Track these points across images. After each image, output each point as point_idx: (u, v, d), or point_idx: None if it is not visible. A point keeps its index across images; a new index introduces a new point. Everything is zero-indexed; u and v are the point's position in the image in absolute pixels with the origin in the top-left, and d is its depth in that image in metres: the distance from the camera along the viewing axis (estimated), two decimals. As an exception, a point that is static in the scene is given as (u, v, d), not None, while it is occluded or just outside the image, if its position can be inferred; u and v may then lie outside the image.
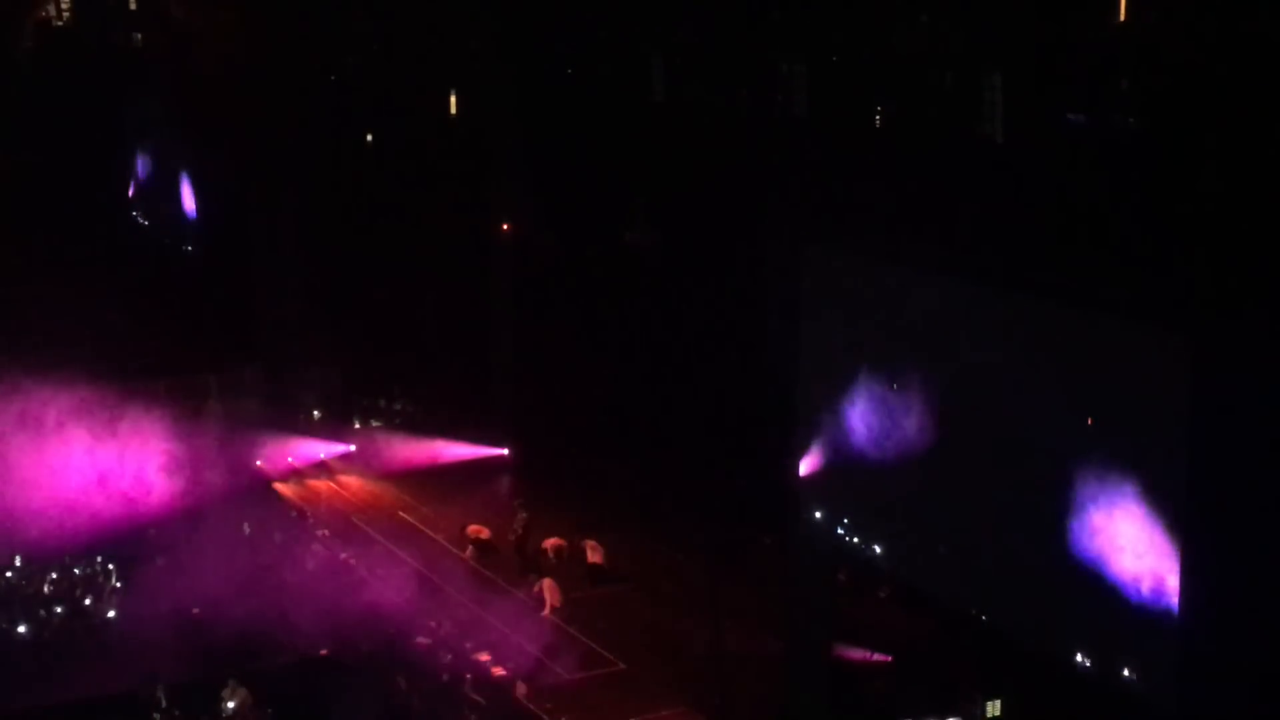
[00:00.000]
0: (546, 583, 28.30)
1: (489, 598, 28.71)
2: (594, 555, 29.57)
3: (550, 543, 30.13)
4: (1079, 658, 17.72)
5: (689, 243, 29.12)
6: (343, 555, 30.52)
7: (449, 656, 25.71)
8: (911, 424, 19.75)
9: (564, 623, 27.58)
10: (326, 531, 31.71)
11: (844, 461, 21.40)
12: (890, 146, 21.41)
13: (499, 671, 25.41)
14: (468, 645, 26.36)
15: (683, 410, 29.67)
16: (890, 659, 24.64)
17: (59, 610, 26.96)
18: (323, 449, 34.71)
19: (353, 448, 35.08)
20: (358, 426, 37.94)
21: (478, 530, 30.84)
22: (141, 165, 45.59)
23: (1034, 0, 18.07)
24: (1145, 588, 16.44)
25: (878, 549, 20.89)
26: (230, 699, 23.59)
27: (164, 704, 23.52)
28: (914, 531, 20.00)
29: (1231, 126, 15.83)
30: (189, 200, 41.68)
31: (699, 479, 26.82)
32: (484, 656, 25.93)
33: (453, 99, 33.13)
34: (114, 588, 27.68)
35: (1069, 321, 17.28)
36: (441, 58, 32.61)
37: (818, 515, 22.16)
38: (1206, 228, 16.15)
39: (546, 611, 27.68)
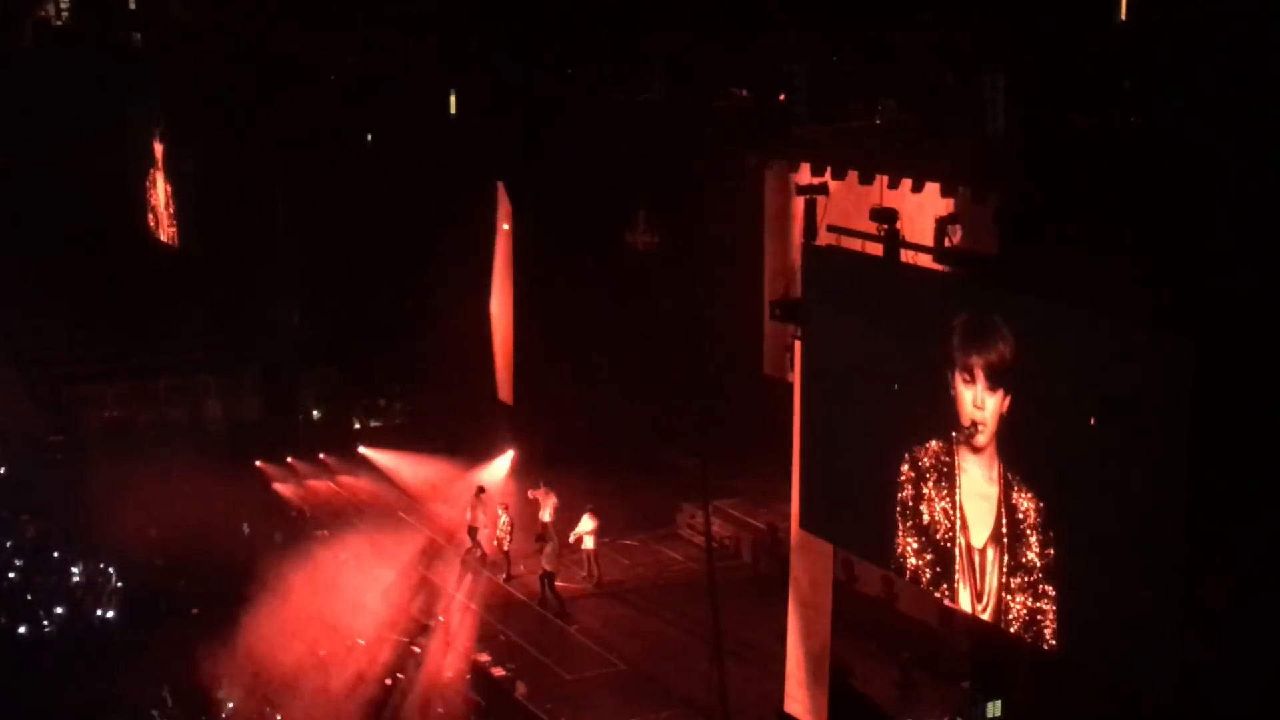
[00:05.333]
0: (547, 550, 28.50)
1: (489, 597, 28.74)
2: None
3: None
4: (1080, 658, 17.73)
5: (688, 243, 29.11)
6: (342, 555, 30.55)
7: (449, 656, 25.73)
8: (911, 423, 19.75)
9: (564, 622, 27.62)
10: (327, 532, 31.72)
11: (843, 461, 21.41)
12: (889, 143, 21.40)
13: (499, 671, 25.41)
14: (467, 645, 26.38)
15: (684, 410, 29.66)
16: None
17: (59, 610, 26.95)
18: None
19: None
20: (357, 427, 37.95)
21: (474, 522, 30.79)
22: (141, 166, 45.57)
23: (1036, 0, 18.10)
24: (1146, 587, 16.45)
25: (877, 548, 20.87)
26: (239, 699, 23.60)
27: (169, 704, 23.54)
28: (913, 530, 20.00)
29: (1233, 125, 15.85)
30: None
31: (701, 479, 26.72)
32: (484, 657, 25.93)
33: (453, 99, 33.09)
34: (114, 588, 27.69)
35: (1069, 321, 17.28)
36: (441, 58, 32.60)
37: (817, 513, 22.17)
38: (1208, 227, 16.16)
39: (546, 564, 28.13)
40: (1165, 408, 15.86)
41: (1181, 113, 16.51)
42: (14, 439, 35.82)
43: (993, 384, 18.25)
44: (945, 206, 20.08)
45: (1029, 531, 17.95)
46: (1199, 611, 16.01)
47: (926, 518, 19.64)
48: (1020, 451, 18.07)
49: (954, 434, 18.95)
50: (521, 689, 24.86)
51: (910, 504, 19.88)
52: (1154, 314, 16.28)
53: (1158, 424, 15.99)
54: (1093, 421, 16.74)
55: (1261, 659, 15.98)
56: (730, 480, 31.07)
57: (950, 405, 18.91)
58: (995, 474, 18.33)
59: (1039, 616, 17.91)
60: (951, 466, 19.08)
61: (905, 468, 19.86)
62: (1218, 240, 16.12)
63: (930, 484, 19.51)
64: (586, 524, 29.20)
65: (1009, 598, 18.39)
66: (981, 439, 18.61)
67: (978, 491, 18.69)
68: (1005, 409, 18.13)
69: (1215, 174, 16.01)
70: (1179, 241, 16.46)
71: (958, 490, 19.09)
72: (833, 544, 22.52)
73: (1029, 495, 17.93)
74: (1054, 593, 17.68)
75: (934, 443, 19.32)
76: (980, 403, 18.46)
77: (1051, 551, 17.65)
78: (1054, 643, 17.80)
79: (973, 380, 18.50)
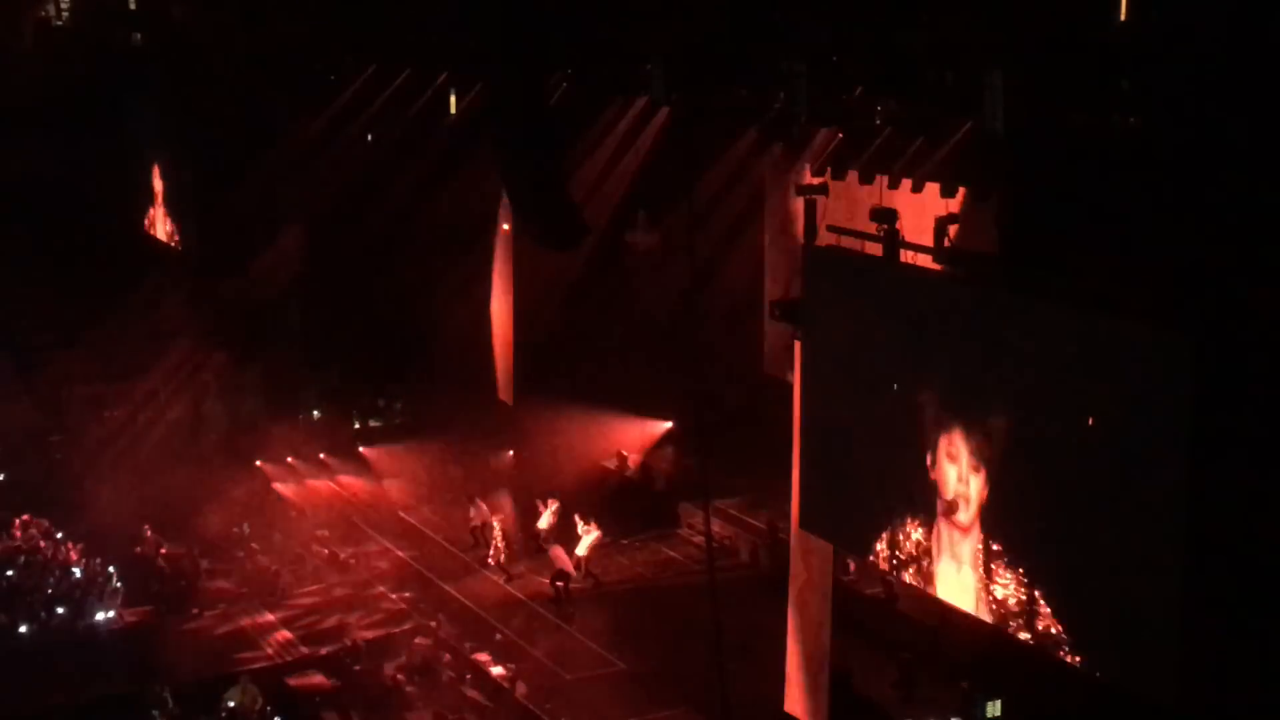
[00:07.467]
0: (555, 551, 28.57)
1: (489, 597, 28.77)
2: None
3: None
4: (1079, 658, 17.71)
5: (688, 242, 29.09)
6: (343, 555, 30.60)
7: (449, 656, 25.74)
8: (911, 424, 19.75)
9: (564, 622, 27.65)
10: (326, 532, 31.77)
11: (843, 462, 21.41)
12: (889, 144, 21.39)
13: (499, 671, 25.42)
14: (468, 645, 26.39)
15: (684, 410, 29.68)
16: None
17: (59, 610, 26.95)
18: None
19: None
20: (357, 427, 37.97)
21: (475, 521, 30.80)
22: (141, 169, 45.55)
23: (1036, 0, 18.06)
24: (1145, 587, 16.44)
25: (877, 548, 20.87)
26: (239, 698, 23.58)
27: (170, 704, 23.53)
28: (913, 531, 20.00)
29: (1232, 125, 15.83)
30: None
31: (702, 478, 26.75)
32: (484, 656, 25.95)
33: (453, 99, 33.06)
34: (114, 588, 27.69)
35: (1067, 321, 17.29)
36: (441, 58, 32.56)
37: (817, 514, 22.17)
38: (1208, 226, 16.15)
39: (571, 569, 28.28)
40: (1165, 408, 15.86)
41: (1181, 113, 16.48)
42: (14, 439, 35.85)
43: (977, 463, 18.40)
44: (945, 206, 20.09)
45: (1020, 536, 17.99)
46: (1199, 612, 16.00)
47: (910, 526, 19.80)
48: (1016, 454, 18.07)
49: (944, 442, 19.06)
50: (521, 689, 24.87)
51: (898, 511, 20.04)
52: (1154, 314, 16.27)
53: (1157, 424, 15.99)
54: (1091, 422, 16.75)
55: (1261, 659, 15.97)
56: (730, 480, 31.12)
57: (940, 412, 19.04)
58: (983, 478, 18.41)
59: (1033, 615, 17.93)
60: (937, 468, 19.22)
61: (899, 474, 19.91)
62: (1218, 240, 16.11)
63: (917, 486, 19.65)
64: (592, 535, 29.26)
65: (993, 593, 18.42)
66: (964, 516, 18.71)
67: (961, 494, 18.81)
68: (999, 409, 18.16)
69: (1215, 174, 15.99)
70: (1179, 241, 16.44)
71: (942, 495, 19.22)
72: (832, 544, 22.53)
73: (1021, 495, 17.96)
74: (1048, 588, 17.70)
75: (926, 443, 19.43)
76: (964, 479, 18.61)
77: (1048, 558, 17.67)
78: (1049, 642, 17.82)
79: (959, 390, 18.62)
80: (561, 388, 33.06)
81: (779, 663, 23.35)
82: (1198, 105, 16.12)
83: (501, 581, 29.43)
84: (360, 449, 36.36)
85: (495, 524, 30.01)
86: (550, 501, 30.46)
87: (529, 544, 30.47)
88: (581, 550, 29.27)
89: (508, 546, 29.90)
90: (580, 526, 29.46)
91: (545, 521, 30.37)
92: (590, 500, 29.95)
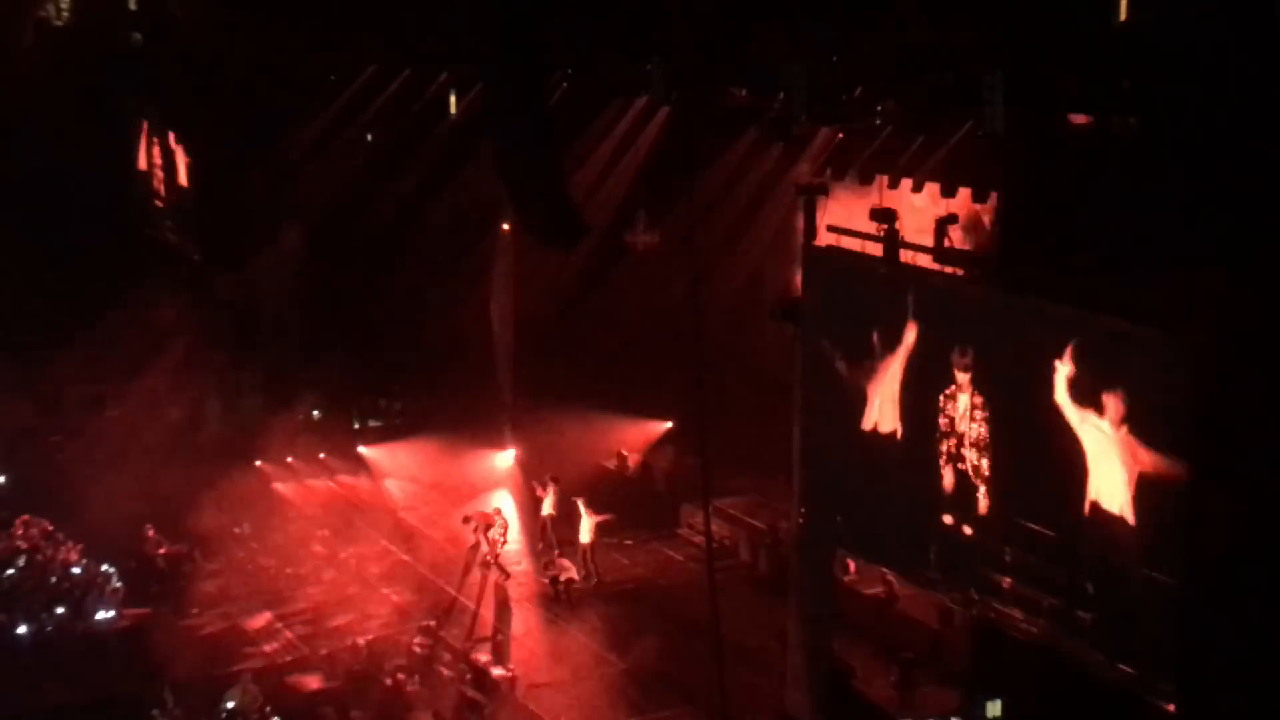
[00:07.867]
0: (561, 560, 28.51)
1: (489, 597, 28.73)
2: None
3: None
4: (1079, 657, 17.73)
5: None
6: (342, 555, 30.58)
7: (449, 656, 25.74)
8: (911, 423, 19.77)
9: (565, 622, 27.64)
10: (326, 532, 31.75)
11: (843, 461, 21.42)
12: (889, 144, 21.43)
13: (499, 671, 25.42)
14: (468, 645, 26.39)
15: (684, 409, 29.66)
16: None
17: (59, 610, 26.95)
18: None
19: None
20: (357, 427, 37.96)
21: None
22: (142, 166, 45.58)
23: (1036, 0, 18.08)
24: (1146, 586, 16.45)
25: (877, 548, 20.91)
26: (240, 699, 23.55)
27: (170, 704, 23.52)
28: (913, 531, 20.01)
29: (1232, 125, 15.85)
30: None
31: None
32: (484, 657, 25.94)
33: (453, 99, 33.10)
34: (114, 588, 27.68)
35: (1068, 321, 17.30)
36: (442, 58, 32.59)
37: (817, 514, 22.18)
38: (1208, 227, 16.16)
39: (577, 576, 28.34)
40: (1165, 408, 15.87)
41: (1181, 113, 16.50)
42: (14, 439, 35.84)
43: (983, 392, 18.39)
44: (945, 207, 20.11)
45: (1018, 531, 18.01)
46: (1198, 612, 16.01)
47: (924, 509, 19.76)
48: (1014, 451, 18.09)
49: (945, 441, 19.07)
50: (521, 689, 24.87)
51: (903, 507, 20.01)
52: (1154, 314, 16.29)
53: (1156, 423, 16.00)
54: (1091, 421, 16.77)
55: (1261, 660, 15.98)
56: (730, 480, 31.12)
57: (941, 412, 19.04)
58: (984, 477, 18.42)
59: (1029, 616, 17.95)
60: (938, 467, 19.19)
61: (900, 465, 19.92)
62: (1218, 240, 16.12)
63: (918, 485, 19.63)
64: (589, 520, 29.25)
65: (995, 598, 18.45)
66: (972, 452, 18.71)
67: (970, 486, 18.81)
68: (1000, 409, 18.18)
69: (1215, 174, 16.01)
70: (1179, 241, 16.46)
71: (943, 494, 19.22)
72: (833, 544, 22.55)
73: (1022, 496, 17.97)
74: (1049, 588, 17.72)
75: (927, 442, 19.42)
76: (970, 414, 18.59)
77: (1044, 552, 17.69)
78: (1049, 641, 17.85)
79: (960, 389, 18.66)
80: (561, 388, 33.02)
81: (779, 663, 23.34)
82: (1198, 105, 16.13)
83: (501, 581, 29.40)
84: (360, 449, 36.28)
85: (496, 521, 29.98)
86: (550, 484, 30.43)
87: (531, 542, 30.43)
88: (584, 537, 29.27)
89: (504, 546, 29.86)
90: (582, 511, 29.43)
91: (547, 508, 30.34)
92: (590, 499, 29.93)
